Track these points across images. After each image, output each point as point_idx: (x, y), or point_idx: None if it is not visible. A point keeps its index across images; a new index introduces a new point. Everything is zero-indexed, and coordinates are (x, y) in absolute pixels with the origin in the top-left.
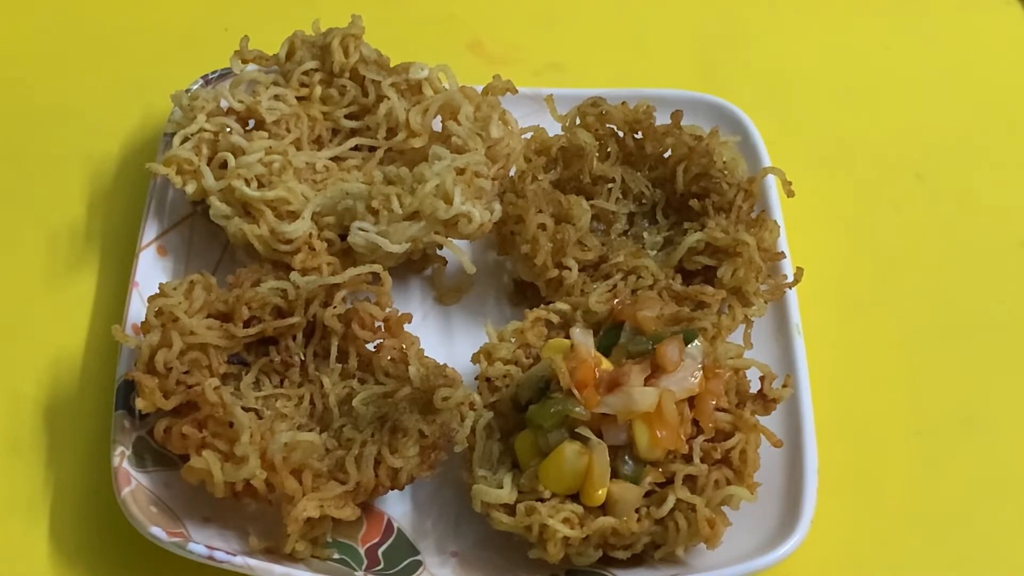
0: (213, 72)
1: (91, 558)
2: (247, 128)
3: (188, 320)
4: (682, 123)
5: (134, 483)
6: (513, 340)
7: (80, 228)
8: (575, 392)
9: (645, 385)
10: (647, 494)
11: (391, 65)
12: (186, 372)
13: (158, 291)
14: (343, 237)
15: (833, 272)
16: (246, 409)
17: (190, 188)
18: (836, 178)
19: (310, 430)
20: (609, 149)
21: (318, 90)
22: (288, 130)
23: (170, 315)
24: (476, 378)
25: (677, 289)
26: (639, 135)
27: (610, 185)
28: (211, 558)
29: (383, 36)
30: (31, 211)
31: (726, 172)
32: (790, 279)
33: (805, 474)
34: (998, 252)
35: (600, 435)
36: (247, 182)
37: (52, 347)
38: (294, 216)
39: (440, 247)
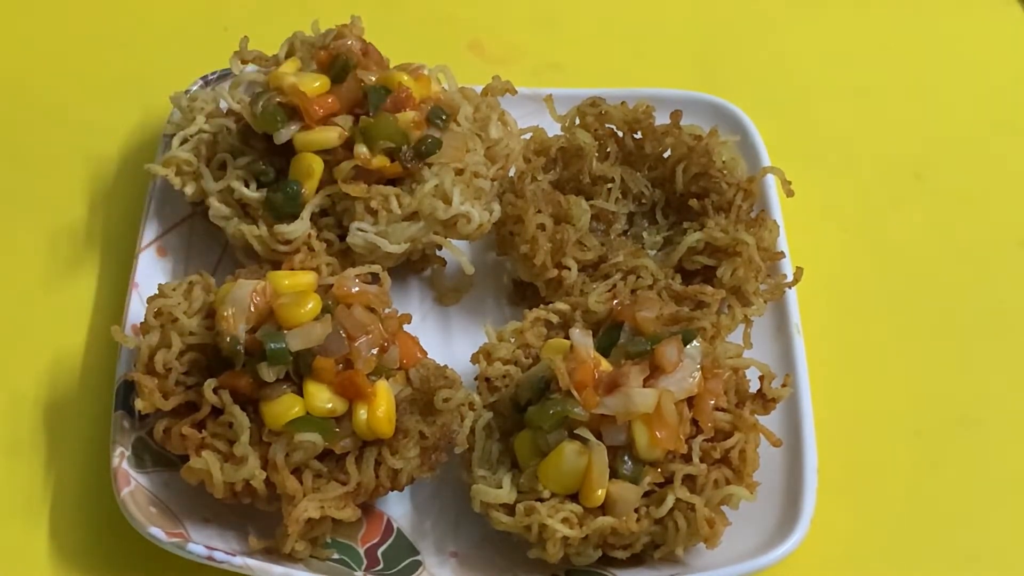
0: (212, 73)
1: (91, 558)
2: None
3: (187, 321)
4: (681, 123)
5: (133, 483)
6: (512, 340)
7: (80, 228)
8: (574, 393)
9: (644, 386)
10: (646, 494)
11: (391, 65)
12: (185, 372)
13: (157, 292)
14: (342, 237)
15: (833, 272)
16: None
17: (189, 189)
18: (836, 178)
19: None
20: (608, 149)
21: None
22: None
23: (169, 316)
24: (476, 378)
25: (677, 289)
26: (638, 135)
27: (609, 185)
28: (210, 558)
29: (383, 36)
30: (31, 211)
31: (725, 172)
32: (790, 279)
33: (805, 474)
34: (998, 252)
35: (599, 435)
36: (246, 183)
37: (52, 347)
38: (293, 217)
39: (439, 247)
